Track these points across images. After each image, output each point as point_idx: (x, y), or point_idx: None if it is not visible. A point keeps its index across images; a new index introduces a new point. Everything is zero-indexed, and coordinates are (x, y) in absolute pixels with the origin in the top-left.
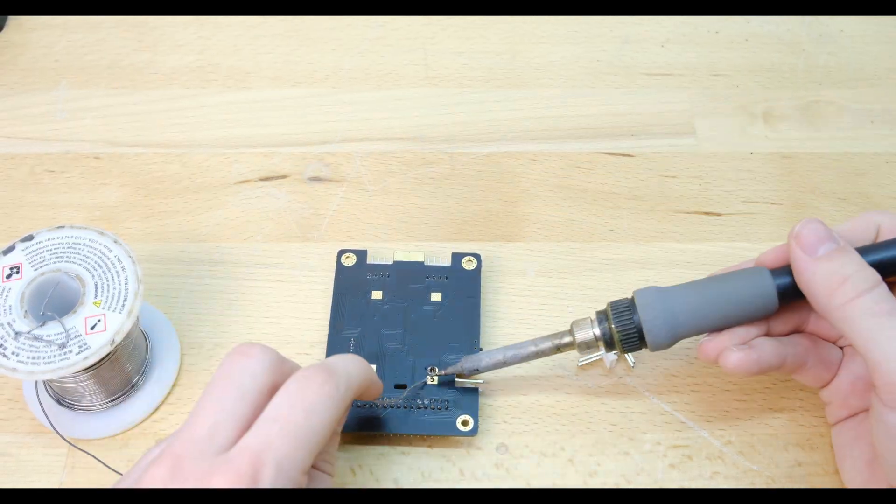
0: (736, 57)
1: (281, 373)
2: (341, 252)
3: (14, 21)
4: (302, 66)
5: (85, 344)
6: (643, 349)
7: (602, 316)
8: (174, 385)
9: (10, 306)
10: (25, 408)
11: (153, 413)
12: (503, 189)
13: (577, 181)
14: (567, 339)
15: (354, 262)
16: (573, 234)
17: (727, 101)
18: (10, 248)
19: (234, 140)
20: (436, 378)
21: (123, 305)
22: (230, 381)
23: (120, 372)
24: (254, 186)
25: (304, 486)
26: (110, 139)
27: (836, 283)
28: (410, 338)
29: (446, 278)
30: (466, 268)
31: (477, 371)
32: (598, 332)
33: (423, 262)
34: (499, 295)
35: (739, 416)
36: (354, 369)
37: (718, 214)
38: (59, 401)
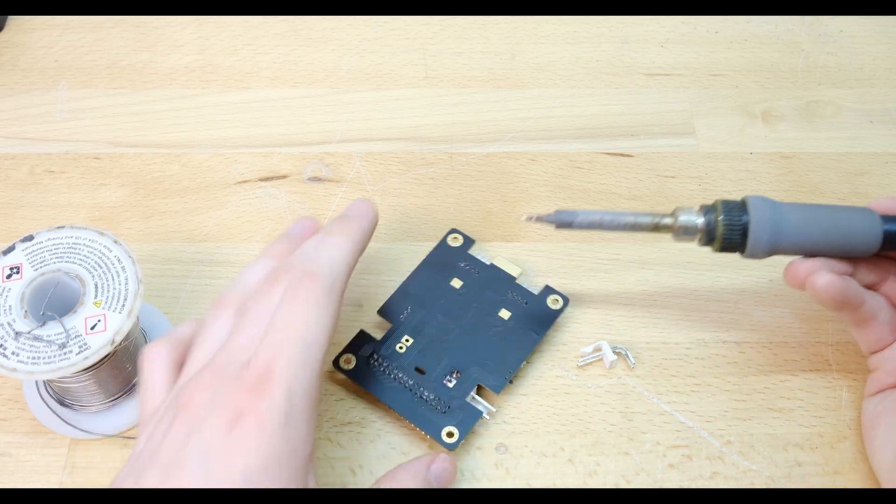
0: (735, 57)
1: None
2: (451, 231)
3: (14, 21)
4: (301, 66)
5: (85, 344)
6: (735, 253)
7: (709, 209)
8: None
9: (10, 306)
10: (25, 408)
11: None
12: (503, 189)
13: (577, 181)
14: (668, 221)
15: (459, 244)
16: (573, 234)
17: (727, 101)
18: (10, 249)
19: (233, 140)
20: (533, 219)
21: (123, 305)
22: (252, 306)
23: (120, 372)
24: (253, 186)
25: (317, 398)
26: (110, 139)
27: None
28: (456, 336)
29: (525, 303)
30: (550, 305)
31: (569, 226)
32: (702, 221)
33: (514, 278)
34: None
35: (739, 416)
36: (337, 255)
37: None
38: (60, 400)
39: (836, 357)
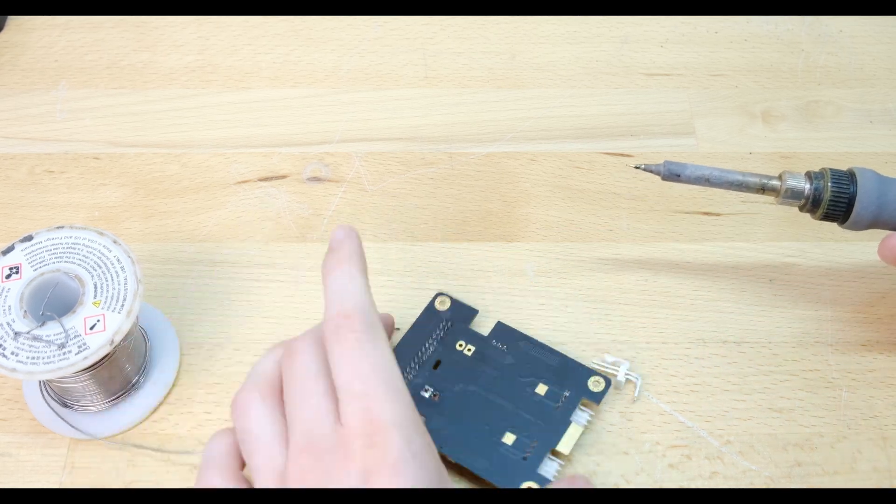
0: (735, 57)
1: (320, 344)
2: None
3: (14, 21)
4: (301, 67)
5: (84, 344)
6: (836, 223)
7: (818, 175)
8: (174, 385)
9: (9, 306)
10: (25, 408)
11: (152, 413)
12: (502, 189)
13: (577, 181)
14: (775, 183)
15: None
16: (572, 234)
17: (726, 101)
18: (10, 249)
19: (233, 140)
20: (642, 167)
21: (122, 305)
22: (299, 381)
23: (119, 372)
24: (253, 186)
25: (419, 419)
26: (110, 139)
27: None
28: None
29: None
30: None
31: (677, 178)
32: (809, 187)
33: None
34: None
35: (739, 416)
36: (350, 285)
37: (718, 214)
38: (60, 401)
39: (836, 357)
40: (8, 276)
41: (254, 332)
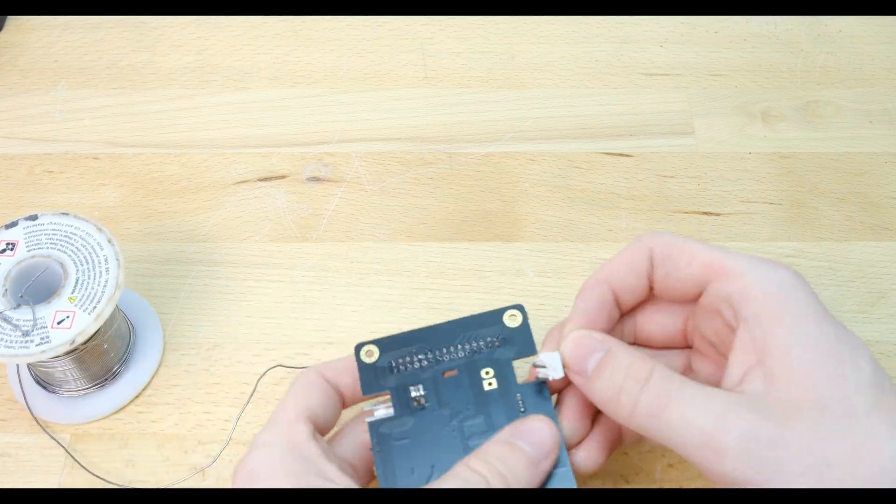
0: (735, 57)
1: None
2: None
3: (14, 21)
4: (300, 67)
5: (47, 337)
6: None
7: None
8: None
9: None
10: (25, 408)
11: (130, 403)
12: (502, 189)
13: (576, 181)
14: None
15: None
16: (572, 234)
17: (726, 101)
18: (13, 224)
19: (232, 140)
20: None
21: (95, 307)
22: None
23: (89, 367)
24: (252, 187)
25: None
26: (109, 139)
27: (612, 397)
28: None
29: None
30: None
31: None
32: None
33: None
34: None
35: None
36: None
37: (717, 214)
38: (39, 381)
39: None
40: (2, 251)
41: (253, 333)
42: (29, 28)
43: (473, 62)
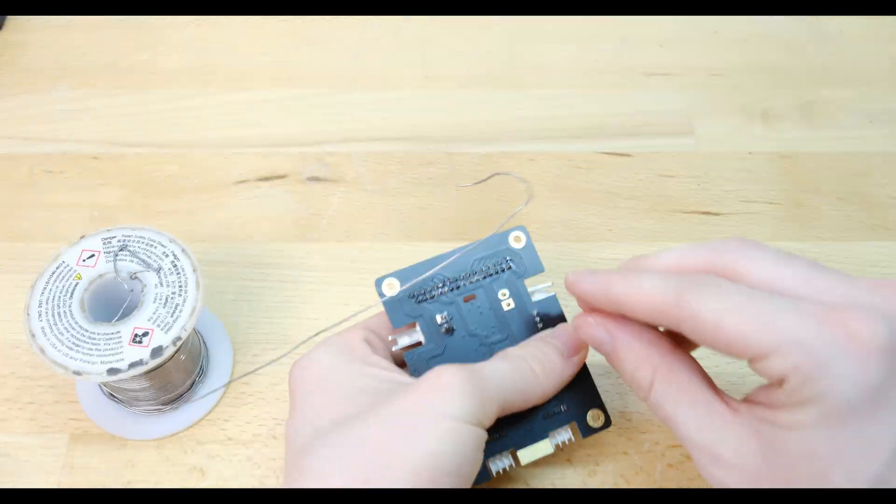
0: (735, 57)
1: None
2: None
3: (14, 21)
4: (301, 67)
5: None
6: None
7: None
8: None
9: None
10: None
11: (208, 413)
12: (502, 189)
13: (576, 181)
14: None
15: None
16: (572, 234)
17: (726, 101)
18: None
19: (232, 140)
20: None
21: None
22: None
23: (173, 380)
24: (252, 186)
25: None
26: (109, 139)
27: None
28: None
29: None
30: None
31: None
32: None
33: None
34: None
35: None
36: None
37: (717, 214)
38: (112, 396)
39: None
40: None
41: (253, 333)
42: (29, 28)
43: (474, 62)
